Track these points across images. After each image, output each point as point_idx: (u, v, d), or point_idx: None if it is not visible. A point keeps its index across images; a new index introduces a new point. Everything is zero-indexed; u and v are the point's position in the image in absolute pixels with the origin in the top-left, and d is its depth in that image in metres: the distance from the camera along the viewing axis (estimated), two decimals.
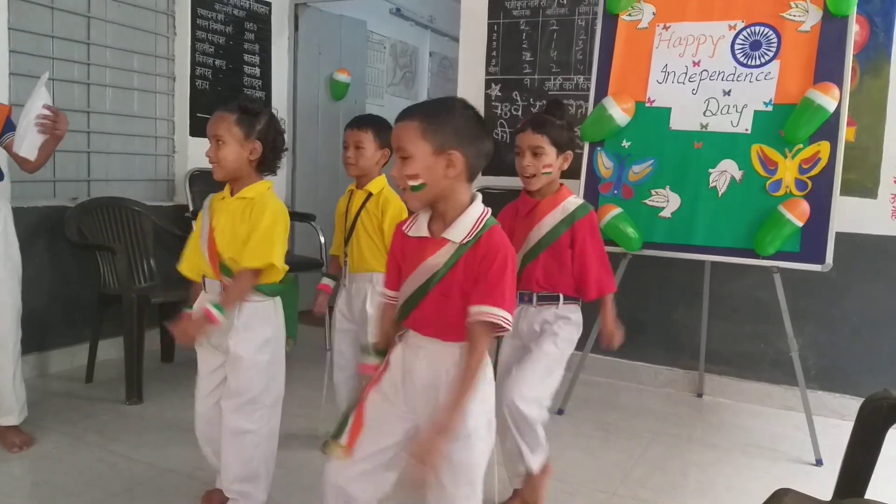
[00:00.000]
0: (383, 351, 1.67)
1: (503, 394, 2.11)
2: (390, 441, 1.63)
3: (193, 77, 4.27)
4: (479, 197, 1.59)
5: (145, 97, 4.18)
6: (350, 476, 1.61)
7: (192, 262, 2.20)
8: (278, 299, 2.20)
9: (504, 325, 1.50)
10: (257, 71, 4.72)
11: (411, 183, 1.51)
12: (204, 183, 4.08)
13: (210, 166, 2.11)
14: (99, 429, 2.96)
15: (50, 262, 3.57)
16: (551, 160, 2.16)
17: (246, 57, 4.63)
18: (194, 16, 4.25)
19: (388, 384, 1.65)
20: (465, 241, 1.52)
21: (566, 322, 2.23)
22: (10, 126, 2.71)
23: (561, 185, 2.26)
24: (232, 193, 2.14)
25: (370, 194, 2.59)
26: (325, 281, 2.76)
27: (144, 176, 4.22)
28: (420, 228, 1.60)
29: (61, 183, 3.78)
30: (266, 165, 2.16)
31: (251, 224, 2.06)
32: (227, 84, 4.48)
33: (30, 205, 3.45)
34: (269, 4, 4.76)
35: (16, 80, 3.42)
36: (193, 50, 4.26)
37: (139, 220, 3.82)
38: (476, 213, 1.55)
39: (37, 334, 3.50)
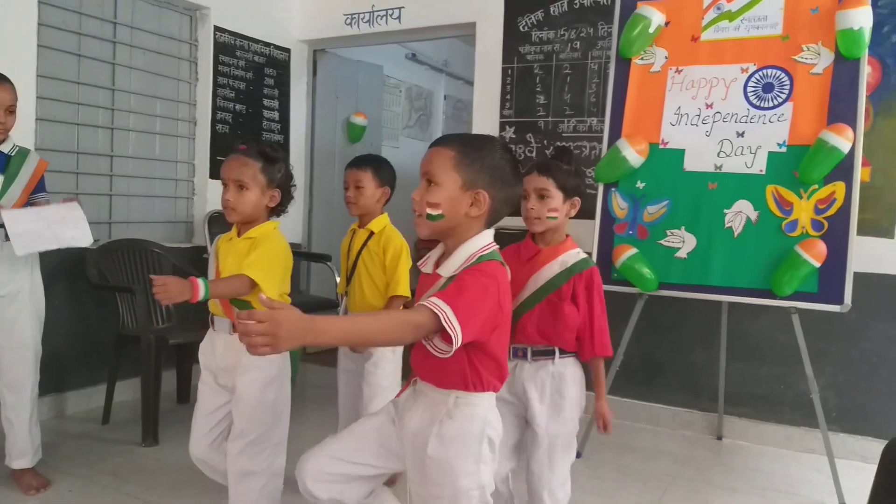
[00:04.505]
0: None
1: (532, 485, 2.10)
2: (368, 460, 1.59)
3: (214, 121, 4.37)
4: (486, 232, 1.51)
5: (167, 141, 4.27)
6: (315, 472, 1.58)
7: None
8: None
9: (446, 324, 1.34)
10: (276, 115, 4.82)
11: (430, 211, 1.46)
12: (222, 225, 4.13)
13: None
14: (114, 471, 2.96)
15: (69, 304, 3.61)
16: (557, 204, 2.07)
17: (265, 101, 4.73)
18: (216, 62, 4.36)
19: (388, 417, 1.62)
20: (452, 275, 1.45)
21: (566, 386, 2.09)
22: (42, 185, 2.80)
23: (567, 236, 2.15)
24: (239, 234, 2.18)
25: (372, 233, 2.62)
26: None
27: (164, 218, 4.29)
28: (429, 265, 1.56)
29: None
30: (278, 210, 2.22)
31: (255, 246, 2.10)
32: (247, 128, 4.57)
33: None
34: (288, 50, 4.88)
35: (41, 125, 3.52)
36: (215, 95, 4.37)
37: (158, 262, 3.87)
38: (474, 246, 1.48)
39: (54, 375, 3.53)
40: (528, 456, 2.13)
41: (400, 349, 2.62)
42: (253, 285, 2.04)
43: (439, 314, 1.35)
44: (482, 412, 1.51)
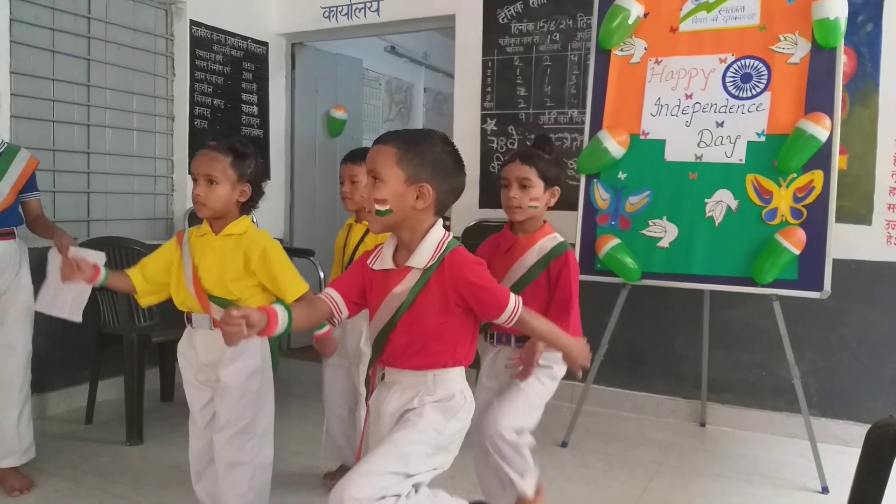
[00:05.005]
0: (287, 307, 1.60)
1: (484, 428, 2.05)
2: None
3: (192, 117, 4.32)
4: (440, 222, 1.59)
5: (144, 137, 4.22)
6: None
7: (144, 278, 2.22)
8: None
9: (518, 307, 1.58)
10: (255, 109, 4.77)
11: (378, 207, 1.52)
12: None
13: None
14: (99, 471, 2.94)
15: None
16: (538, 193, 2.10)
17: (244, 96, 4.69)
18: (193, 57, 4.31)
19: (370, 435, 1.65)
20: (428, 266, 1.53)
21: (547, 364, 2.13)
22: (33, 184, 2.78)
23: (544, 222, 2.18)
24: (215, 231, 2.16)
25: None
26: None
27: (143, 215, 4.24)
28: (385, 261, 1.60)
29: (61, 223, 3.75)
30: (250, 205, 2.21)
31: (262, 264, 2.10)
32: (225, 123, 4.53)
33: (30, 246, 3.43)
34: (266, 44, 4.83)
35: (16, 122, 3.46)
36: (192, 90, 4.32)
37: (139, 260, 3.80)
38: (436, 237, 1.55)
39: (36, 376, 3.45)
40: (495, 403, 2.11)
41: None
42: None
43: (517, 310, 1.59)
44: (459, 382, 1.62)
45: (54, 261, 2.56)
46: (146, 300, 2.25)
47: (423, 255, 1.53)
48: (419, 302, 1.53)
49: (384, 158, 1.51)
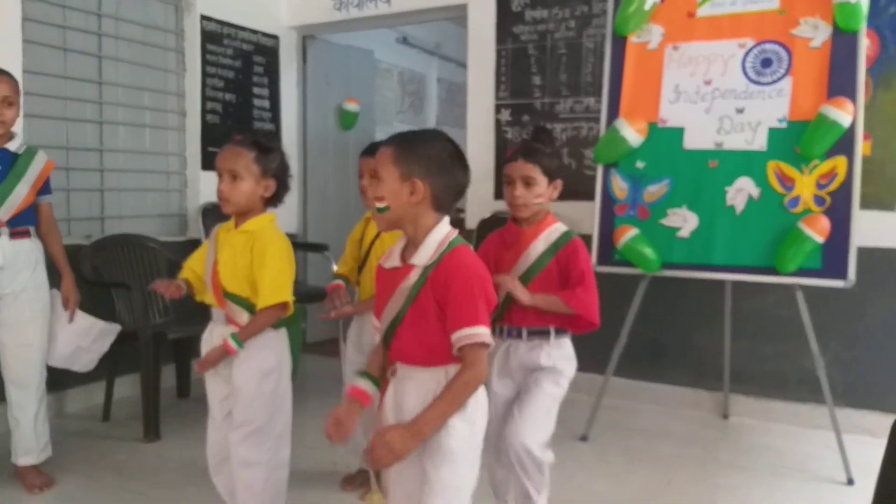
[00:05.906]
0: (371, 376, 1.67)
1: (508, 437, 2.05)
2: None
3: (204, 112, 4.30)
4: (445, 220, 1.61)
5: (156, 133, 4.20)
6: None
7: (195, 275, 2.21)
8: (283, 328, 2.19)
9: (486, 340, 1.51)
10: (267, 103, 4.75)
11: (378, 204, 1.58)
12: (216, 216, 4.06)
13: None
14: (117, 468, 2.94)
15: None
16: (542, 190, 2.09)
17: (255, 90, 4.66)
18: (203, 52, 4.29)
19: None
20: (428, 264, 1.56)
21: (561, 361, 2.13)
22: (47, 186, 2.79)
23: (547, 212, 2.17)
24: (237, 226, 2.14)
25: None
26: (337, 280, 2.68)
27: (157, 212, 4.23)
28: (393, 259, 1.64)
29: (76, 221, 3.79)
30: (274, 201, 2.18)
31: (257, 261, 2.07)
32: (237, 117, 4.50)
33: None
34: (276, 38, 4.80)
35: (29, 121, 3.45)
36: (203, 85, 4.30)
37: (153, 256, 3.82)
38: (440, 234, 1.58)
39: (53, 374, 3.47)
40: (517, 413, 2.09)
41: None
42: (277, 309, 2.08)
43: (482, 339, 1.51)
44: None
45: (56, 305, 2.85)
46: (199, 297, 2.24)
47: (425, 253, 1.57)
48: (421, 298, 1.56)
49: (383, 158, 1.58)
